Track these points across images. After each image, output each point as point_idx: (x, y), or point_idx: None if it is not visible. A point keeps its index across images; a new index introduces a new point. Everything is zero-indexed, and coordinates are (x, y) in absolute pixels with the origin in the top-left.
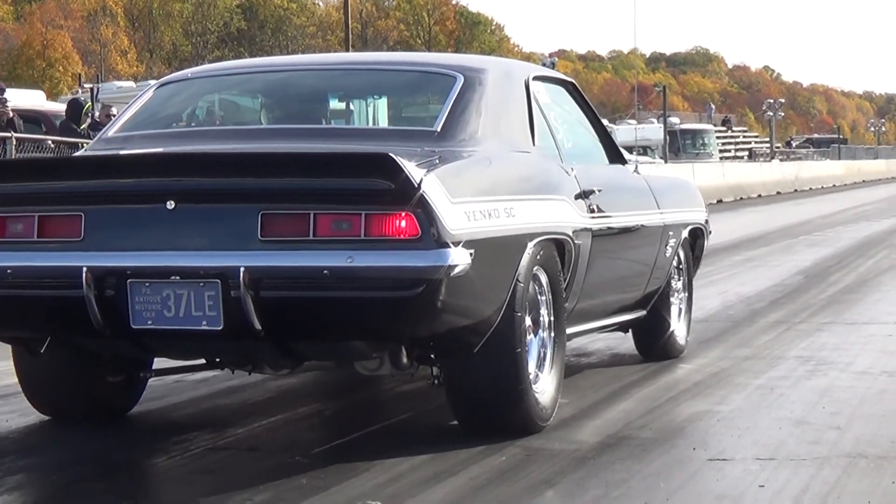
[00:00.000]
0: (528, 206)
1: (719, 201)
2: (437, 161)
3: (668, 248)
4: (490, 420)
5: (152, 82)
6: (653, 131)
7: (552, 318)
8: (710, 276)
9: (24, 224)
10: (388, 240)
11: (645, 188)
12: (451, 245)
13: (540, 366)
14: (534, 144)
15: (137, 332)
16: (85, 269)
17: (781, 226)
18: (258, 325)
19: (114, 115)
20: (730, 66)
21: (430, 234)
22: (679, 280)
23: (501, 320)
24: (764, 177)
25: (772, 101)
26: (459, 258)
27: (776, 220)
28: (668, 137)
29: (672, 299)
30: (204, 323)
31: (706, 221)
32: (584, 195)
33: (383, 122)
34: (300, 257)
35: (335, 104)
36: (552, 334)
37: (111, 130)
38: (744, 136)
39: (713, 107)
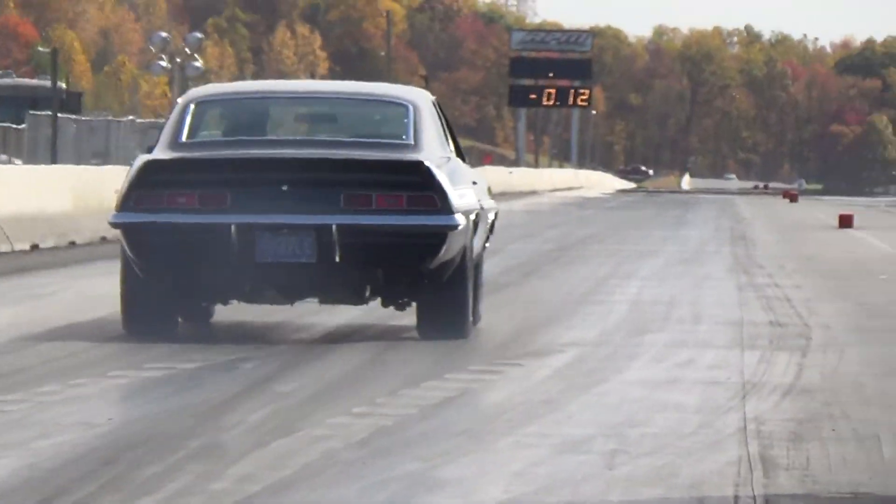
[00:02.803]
0: (469, 192)
1: None
2: (440, 166)
3: (488, 223)
4: (445, 328)
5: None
6: None
7: (474, 264)
8: None
9: (196, 198)
10: (422, 210)
11: (483, 180)
12: (455, 213)
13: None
14: (449, 149)
15: (260, 263)
16: (233, 224)
17: None
18: (338, 259)
19: None
20: None
21: (445, 207)
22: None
23: (461, 260)
24: None
25: None
26: (461, 221)
27: None
28: None
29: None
30: (303, 258)
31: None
32: (473, 184)
33: (365, 135)
34: (367, 219)
35: (333, 121)
36: (475, 273)
37: (182, 137)
38: None
39: None
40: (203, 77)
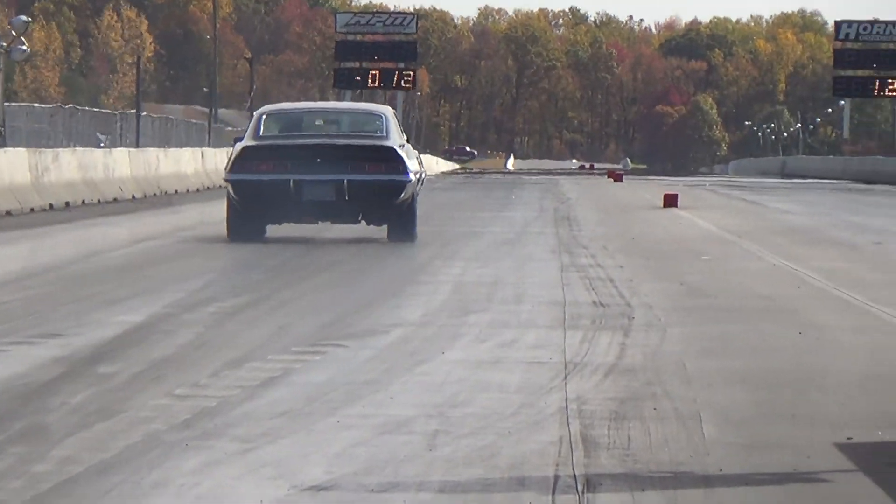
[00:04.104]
0: (415, 162)
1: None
2: (400, 147)
3: (422, 180)
4: (405, 236)
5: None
6: None
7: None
8: None
9: (269, 165)
10: (390, 172)
11: (417, 156)
12: (409, 173)
13: None
14: (403, 139)
15: (304, 201)
16: (291, 179)
17: None
18: (346, 198)
19: None
20: None
21: (404, 171)
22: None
23: (411, 200)
24: None
25: None
26: (413, 177)
27: None
28: None
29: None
30: (328, 197)
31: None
32: (417, 159)
33: (358, 132)
34: (362, 176)
35: (340, 126)
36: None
37: (259, 133)
38: None
39: None
40: (29, 60)
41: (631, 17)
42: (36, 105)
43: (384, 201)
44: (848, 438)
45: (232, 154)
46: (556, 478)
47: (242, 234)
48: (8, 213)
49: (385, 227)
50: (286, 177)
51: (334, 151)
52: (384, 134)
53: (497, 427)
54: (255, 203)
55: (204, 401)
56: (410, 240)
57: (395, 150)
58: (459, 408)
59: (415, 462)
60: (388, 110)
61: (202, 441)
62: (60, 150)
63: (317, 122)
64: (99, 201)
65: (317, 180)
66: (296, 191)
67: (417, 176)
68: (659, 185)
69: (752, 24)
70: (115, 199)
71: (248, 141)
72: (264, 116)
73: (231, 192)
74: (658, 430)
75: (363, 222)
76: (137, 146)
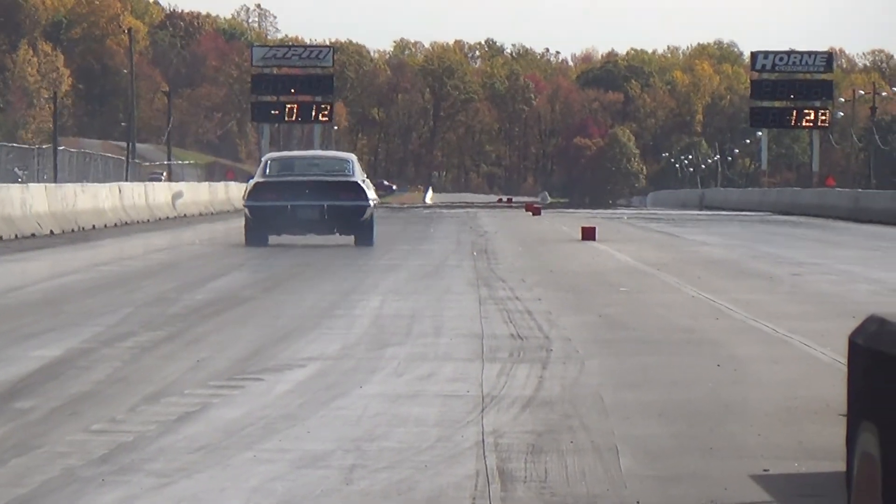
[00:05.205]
0: (372, 192)
1: None
2: (363, 182)
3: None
4: (367, 242)
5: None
6: None
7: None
8: None
9: (274, 195)
10: (356, 199)
11: (372, 188)
12: (370, 200)
13: None
14: (364, 177)
15: (299, 219)
16: (288, 204)
17: None
18: (326, 217)
19: None
20: None
21: (365, 198)
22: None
23: (370, 218)
24: None
25: None
26: (372, 203)
27: None
28: None
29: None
30: (314, 217)
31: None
32: (374, 190)
33: (332, 171)
34: (337, 202)
35: (320, 168)
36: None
37: (267, 172)
38: None
39: None
40: None
41: (547, 49)
42: None
43: (352, 219)
44: (764, 470)
45: (247, 187)
46: None
47: (254, 242)
48: None
49: (352, 237)
50: (285, 203)
51: (317, 186)
52: (351, 173)
53: (414, 461)
54: (263, 220)
55: (121, 436)
56: (370, 245)
57: (359, 184)
58: (377, 441)
59: (332, 496)
60: (352, 157)
61: (119, 476)
62: None
63: (305, 165)
64: (16, 237)
65: (306, 205)
66: (291, 212)
67: (374, 202)
68: (577, 218)
69: (669, 55)
70: (32, 235)
71: (258, 178)
72: (269, 161)
73: (247, 213)
74: (575, 463)
75: (337, 234)
76: (55, 181)
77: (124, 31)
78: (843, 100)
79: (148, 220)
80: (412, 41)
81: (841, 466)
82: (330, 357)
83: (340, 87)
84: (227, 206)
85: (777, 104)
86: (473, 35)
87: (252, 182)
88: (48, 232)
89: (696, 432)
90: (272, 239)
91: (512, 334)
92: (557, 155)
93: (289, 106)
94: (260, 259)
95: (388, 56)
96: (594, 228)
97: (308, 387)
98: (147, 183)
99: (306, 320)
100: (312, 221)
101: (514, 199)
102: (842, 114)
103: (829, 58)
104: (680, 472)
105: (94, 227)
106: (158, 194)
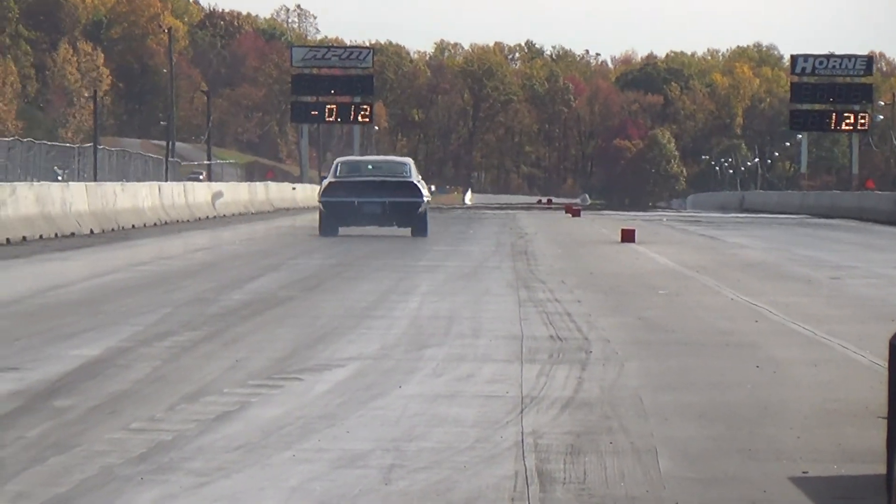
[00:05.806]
0: (426, 191)
1: None
2: (418, 182)
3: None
4: (422, 233)
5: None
6: None
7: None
8: None
9: (344, 192)
10: (412, 196)
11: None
12: (423, 197)
13: None
14: (419, 177)
15: (364, 213)
16: (355, 200)
17: None
18: (388, 211)
19: None
20: None
21: (420, 196)
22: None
23: (425, 212)
24: None
25: None
26: (426, 200)
27: None
28: None
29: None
30: (377, 211)
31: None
32: (429, 188)
33: (394, 173)
34: (397, 198)
35: (382, 170)
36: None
37: (337, 173)
38: None
39: None
40: None
41: (587, 51)
42: None
43: (409, 213)
44: (804, 472)
45: (322, 185)
46: None
47: (327, 232)
48: None
49: (409, 229)
50: (353, 199)
51: (380, 185)
52: (409, 174)
53: (453, 461)
54: (334, 214)
55: (160, 435)
56: (425, 236)
57: (415, 183)
58: (415, 442)
59: (370, 496)
60: (409, 160)
61: (158, 475)
62: (18, 184)
63: (369, 168)
64: (56, 235)
65: (370, 201)
66: (358, 207)
67: (427, 199)
68: (616, 220)
69: (709, 57)
70: (72, 234)
71: (331, 178)
72: (340, 164)
73: (322, 207)
74: (614, 465)
75: (396, 226)
76: (95, 180)
77: (164, 31)
78: (882, 103)
79: (187, 220)
80: (452, 42)
81: (881, 469)
82: (369, 357)
83: (380, 87)
84: (267, 207)
85: (817, 107)
86: (513, 37)
87: (325, 181)
88: (88, 231)
89: (735, 434)
90: (340, 230)
91: (551, 336)
92: (597, 156)
93: (329, 106)
94: (299, 259)
95: (428, 57)
96: (634, 231)
97: (347, 387)
98: (186, 182)
99: (345, 320)
100: (375, 215)
101: (554, 200)
102: (881, 117)
103: (868, 61)
104: (719, 475)
105: (133, 226)
106: (198, 194)
